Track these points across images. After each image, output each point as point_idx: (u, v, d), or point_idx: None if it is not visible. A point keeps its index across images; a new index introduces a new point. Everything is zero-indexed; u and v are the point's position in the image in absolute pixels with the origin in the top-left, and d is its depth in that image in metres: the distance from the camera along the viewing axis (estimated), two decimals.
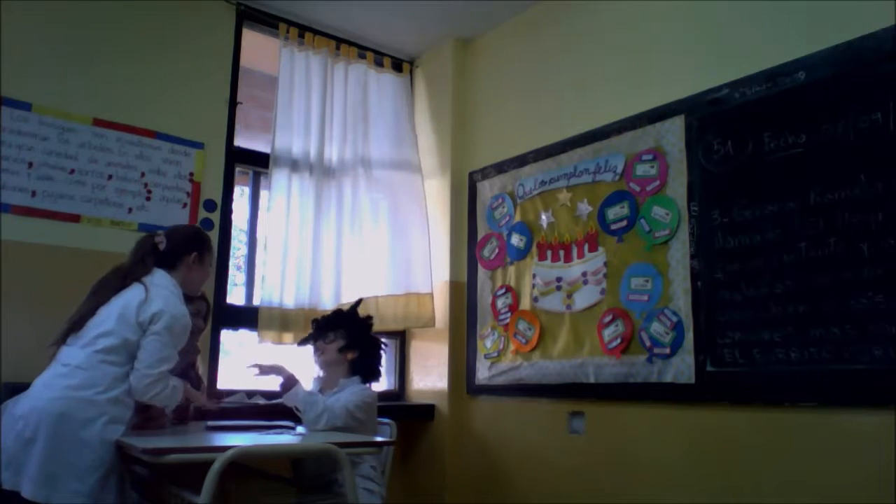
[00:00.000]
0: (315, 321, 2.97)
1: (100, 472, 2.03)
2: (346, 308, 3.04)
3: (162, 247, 2.35)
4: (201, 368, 2.81)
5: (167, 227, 2.52)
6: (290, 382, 2.65)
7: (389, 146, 3.81)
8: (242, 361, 3.55)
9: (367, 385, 2.82)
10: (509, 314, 3.31)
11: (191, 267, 2.39)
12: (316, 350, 2.88)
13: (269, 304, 3.34)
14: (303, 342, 2.99)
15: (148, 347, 2.14)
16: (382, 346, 2.98)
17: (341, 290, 3.54)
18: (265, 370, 2.71)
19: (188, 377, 2.70)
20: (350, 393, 2.69)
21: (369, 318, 3.03)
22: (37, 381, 2.13)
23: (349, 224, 3.64)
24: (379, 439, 2.61)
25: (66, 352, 2.16)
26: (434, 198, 3.80)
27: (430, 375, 3.62)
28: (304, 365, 3.07)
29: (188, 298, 2.68)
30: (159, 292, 2.22)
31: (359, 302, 3.06)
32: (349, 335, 2.86)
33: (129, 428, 2.19)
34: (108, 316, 2.16)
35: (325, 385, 2.85)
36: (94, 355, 2.11)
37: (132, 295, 2.20)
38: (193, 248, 2.40)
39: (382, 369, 2.98)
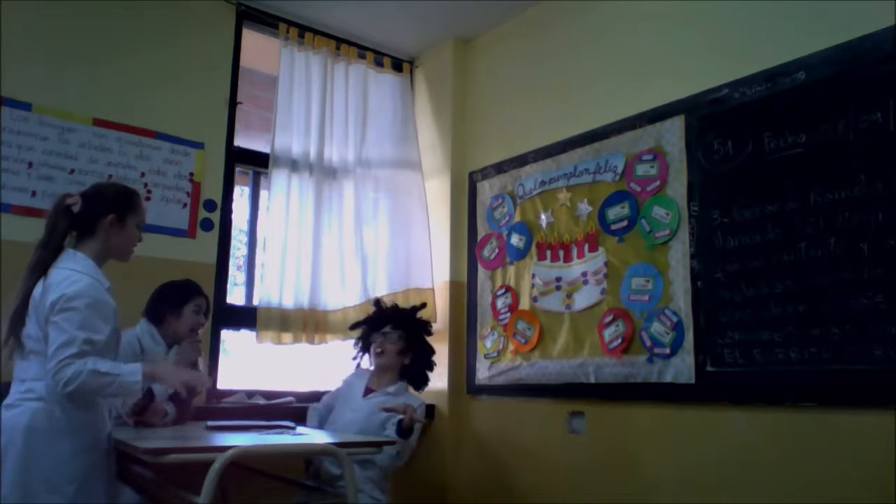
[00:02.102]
0: (378, 309, 3.04)
1: (77, 482, 1.95)
2: (408, 308, 3.09)
3: (76, 208, 2.08)
4: (202, 366, 2.80)
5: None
6: (411, 426, 2.63)
7: (390, 145, 3.81)
8: (242, 361, 3.57)
9: (420, 399, 2.87)
10: (509, 314, 3.31)
11: (110, 231, 2.10)
12: (374, 346, 2.92)
13: (268, 305, 3.33)
14: (356, 326, 3.07)
15: (49, 338, 1.94)
16: (433, 353, 3.04)
17: (342, 291, 3.54)
18: (398, 410, 2.69)
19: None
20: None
21: (428, 324, 3.07)
22: (4, 402, 2.01)
23: (349, 224, 3.64)
24: (379, 439, 2.61)
25: (19, 367, 2.03)
26: (434, 197, 3.80)
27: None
28: (305, 366, 3.08)
29: (186, 296, 2.66)
30: (57, 276, 1.99)
31: (423, 305, 3.14)
32: (409, 338, 2.92)
33: (114, 424, 2.16)
34: (30, 319, 2.01)
35: (373, 383, 2.89)
36: (40, 365, 1.97)
37: (37, 289, 2.00)
38: (111, 209, 2.11)
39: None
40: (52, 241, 2.07)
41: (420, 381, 2.99)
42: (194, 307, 2.66)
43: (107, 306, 2.02)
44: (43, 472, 1.91)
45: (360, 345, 3.09)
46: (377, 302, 3.15)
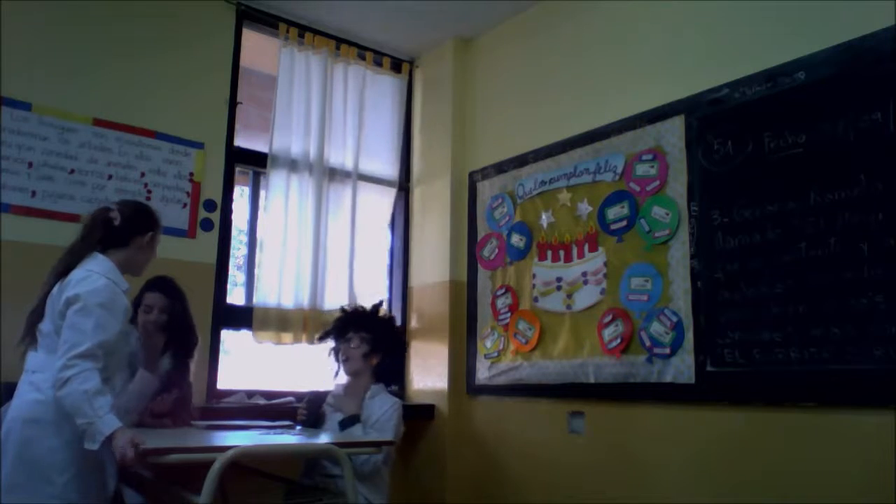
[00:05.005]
0: (341, 316, 2.98)
1: (69, 472, 1.96)
2: (367, 308, 3.02)
3: (116, 222, 2.17)
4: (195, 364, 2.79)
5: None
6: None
7: (384, 151, 3.84)
8: (242, 361, 3.57)
9: (395, 399, 2.83)
10: (509, 314, 3.31)
11: (142, 247, 2.22)
12: (340, 354, 2.88)
13: (265, 305, 3.34)
14: (323, 338, 2.99)
15: (63, 335, 1.98)
16: (405, 347, 2.99)
17: (340, 291, 3.54)
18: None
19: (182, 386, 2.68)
20: (388, 416, 2.72)
21: (391, 318, 3.03)
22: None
23: (346, 225, 3.65)
24: (378, 439, 2.61)
25: (29, 357, 2.10)
26: (434, 198, 3.80)
27: (430, 375, 3.62)
28: (306, 366, 3.08)
29: (182, 334, 2.60)
30: (77, 275, 2.05)
31: (380, 303, 3.07)
32: (373, 339, 2.87)
33: (129, 423, 2.16)
34: (46, 315, 2.07)
35: (351, 391, 2.85)
36: (46, 357, 2.02)
37: (56, 287, 2.07)
38: (149, 227, 2.25)
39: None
40: (83, 247, 2.15)
41: (394, 378, 2.94)
42: (145, 307, 2.55)
43: (119, 306, 2.09)
44: (37, 463, 1.95)
45: (332, 356, 2.98)
46: (342, 309, 3.07)
